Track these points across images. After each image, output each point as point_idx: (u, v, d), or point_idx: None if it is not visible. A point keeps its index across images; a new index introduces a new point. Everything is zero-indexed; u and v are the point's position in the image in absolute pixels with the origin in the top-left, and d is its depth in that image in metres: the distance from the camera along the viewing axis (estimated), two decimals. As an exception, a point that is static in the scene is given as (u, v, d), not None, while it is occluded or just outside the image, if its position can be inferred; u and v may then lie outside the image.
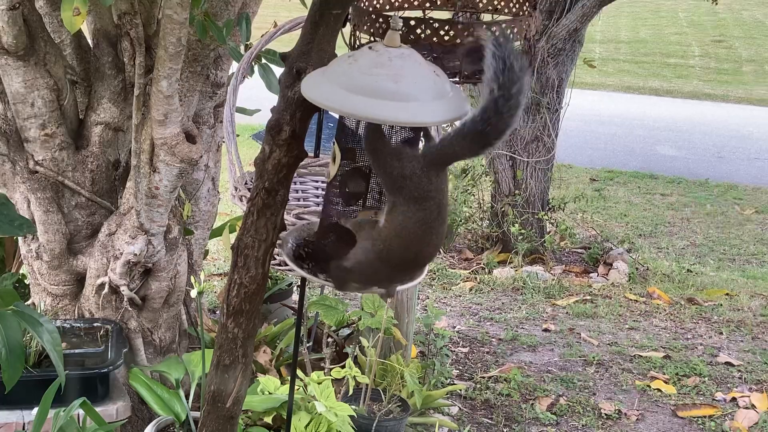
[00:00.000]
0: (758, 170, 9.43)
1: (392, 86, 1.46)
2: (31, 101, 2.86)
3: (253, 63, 2.87)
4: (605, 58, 15.88)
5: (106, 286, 3.04)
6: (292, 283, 4.20)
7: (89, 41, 3.13)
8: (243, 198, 2.08)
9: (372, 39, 1.81)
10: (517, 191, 5.90)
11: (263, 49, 2.70)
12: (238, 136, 2.20)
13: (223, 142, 2.91)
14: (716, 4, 8.42)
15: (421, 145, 1.62)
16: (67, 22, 2.37)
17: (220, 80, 3.24)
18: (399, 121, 1.50)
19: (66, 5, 2.33)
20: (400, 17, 1.63)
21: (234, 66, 3.11)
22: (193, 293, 2.79)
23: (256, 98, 3.44)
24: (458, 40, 1.76)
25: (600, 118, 11.47)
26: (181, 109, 2.83)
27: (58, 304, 3.15)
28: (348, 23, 1.85)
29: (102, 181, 3.11)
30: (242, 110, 3.23)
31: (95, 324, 3.04)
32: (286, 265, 1.82)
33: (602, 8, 5.60)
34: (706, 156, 10.01)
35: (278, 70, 2.09)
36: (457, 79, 1.78)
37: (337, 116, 1.73)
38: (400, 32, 1.58)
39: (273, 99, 1.87)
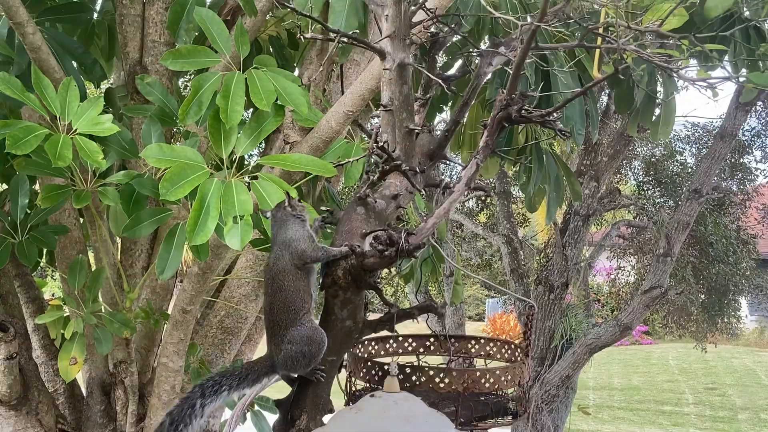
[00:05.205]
0: None
1: (407, 426, 1.52)
2: (18, 451, 2.81)
3: (246, 410, 2.85)
4: (599, 404, 15.81)
5: None
6: None
7: (83, 390, 3.13)
8: None
9: (368, 385, 1.83)
10: None
11: (256, 396, 2.70)
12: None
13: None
14: (705, 352, 8.54)
15: None
16: (63, 372, 2.38)
17: (212, 428, 3.20)
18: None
19: (64, 354, 2.36)
20: (396, 363, 1.66)
21: (227, 413, 3.09)
22: None
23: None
24: (453, 387, 1.77)
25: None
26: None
27: None
28: (344, 369, 1.87)
29: None
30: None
31: None
32: None
33: (593, 355, 5.68)
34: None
35: (271, 417, 2.07)
36: (454, 427, 1.77)
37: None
38: (398, 377, 1.62)
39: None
